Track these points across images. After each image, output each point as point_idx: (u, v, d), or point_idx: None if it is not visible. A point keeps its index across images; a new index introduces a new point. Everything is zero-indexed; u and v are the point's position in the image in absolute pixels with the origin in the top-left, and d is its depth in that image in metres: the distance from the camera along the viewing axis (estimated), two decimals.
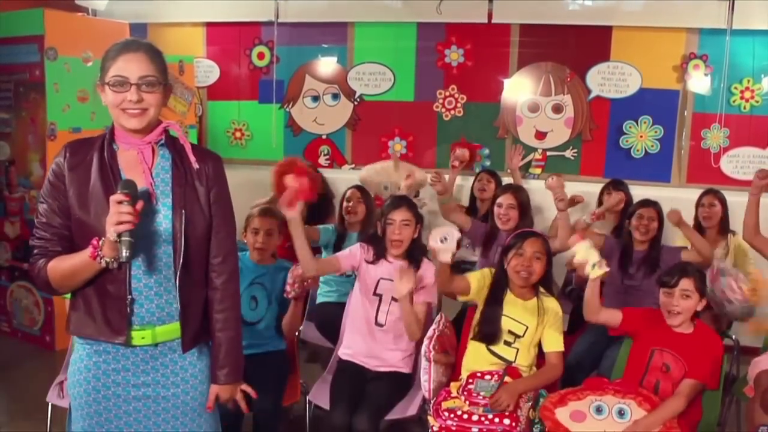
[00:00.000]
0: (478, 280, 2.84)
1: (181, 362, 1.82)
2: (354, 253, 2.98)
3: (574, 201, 3.68)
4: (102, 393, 1.77)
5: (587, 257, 2.55)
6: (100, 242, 1.60)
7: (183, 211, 1.73)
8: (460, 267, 3.77)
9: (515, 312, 2.74)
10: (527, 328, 2.72)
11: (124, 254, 1.57)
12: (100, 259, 1.61)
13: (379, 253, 2.95)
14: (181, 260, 1.73)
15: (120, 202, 1.57)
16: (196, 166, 1.77)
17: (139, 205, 1.60)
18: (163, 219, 1.72)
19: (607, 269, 2.56)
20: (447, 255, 2.59)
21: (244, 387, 1.94)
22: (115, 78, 1.67)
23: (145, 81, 1.67)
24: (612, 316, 2.71)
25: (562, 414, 2.44)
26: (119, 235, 1.56)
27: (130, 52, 1.68)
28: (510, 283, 2.79)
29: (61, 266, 1.67)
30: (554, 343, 2.73)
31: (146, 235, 1.69)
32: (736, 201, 3.92)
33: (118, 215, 1.56)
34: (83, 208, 1.69)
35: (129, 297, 1.70)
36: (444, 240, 2.58)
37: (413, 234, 2.92)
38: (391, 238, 2.89)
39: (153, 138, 1.75)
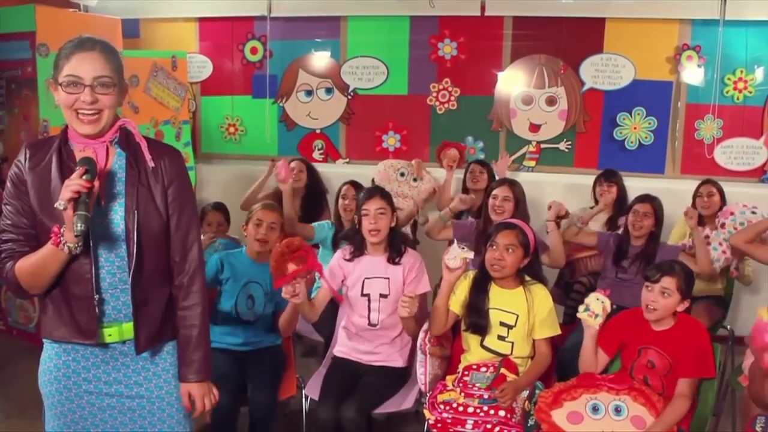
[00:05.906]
0: (456, 302, 2.80)
1: (150, 358, 1.80)
2: (333, 269, 2.95)
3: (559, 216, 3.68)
4: (74, 391, 1.76)
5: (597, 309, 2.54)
6: (62, 229, 1.59)
7: (135, 212, 1.71)
8: None
9: (502, 302, 2.73)
10: (518, 316, 2.70)
11: (79, 227, 1.53)
12: (63, 245, 1.58)
13: (358, 249, 2.94)
14: (134, 261, 1.70)
15: (80, 177, 1.56)
16: (151, 164, 1.74)
17: (97, 183, 1.59)
18: (118, 219, 1.70)
19: (601, 321, 2.55)
20: (456, 261, 2.62)
21: (213, 390, 1.89)
22: (69, 78, 1.64)
23: (99, 82, 1.64)
24: (604, 359, 2.65)
25: (558, 416, 2.42)
26: (74, 209, 1.53)
27: (84, 51, 1.65)
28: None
29: (27, 264, 1.65)
30: (542, 331, 2.72)
31: (103, 235, 1.68)
32: (731, 191, 3.94)
33: (72, 185, 1.54)
34: (45, 211, 1.67)
35: (96, 296, 1.68)
36: (463, 248, 2.62)
37: (390, 223, 2.90)
38: (368, 228, 2.87)
39: (108, 137, 1.72)
